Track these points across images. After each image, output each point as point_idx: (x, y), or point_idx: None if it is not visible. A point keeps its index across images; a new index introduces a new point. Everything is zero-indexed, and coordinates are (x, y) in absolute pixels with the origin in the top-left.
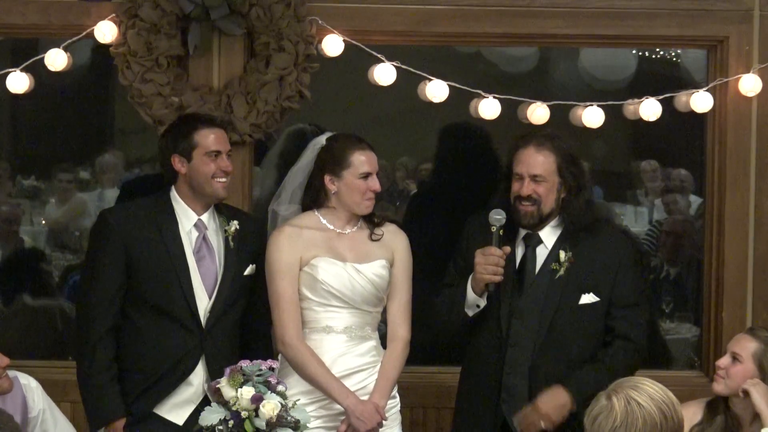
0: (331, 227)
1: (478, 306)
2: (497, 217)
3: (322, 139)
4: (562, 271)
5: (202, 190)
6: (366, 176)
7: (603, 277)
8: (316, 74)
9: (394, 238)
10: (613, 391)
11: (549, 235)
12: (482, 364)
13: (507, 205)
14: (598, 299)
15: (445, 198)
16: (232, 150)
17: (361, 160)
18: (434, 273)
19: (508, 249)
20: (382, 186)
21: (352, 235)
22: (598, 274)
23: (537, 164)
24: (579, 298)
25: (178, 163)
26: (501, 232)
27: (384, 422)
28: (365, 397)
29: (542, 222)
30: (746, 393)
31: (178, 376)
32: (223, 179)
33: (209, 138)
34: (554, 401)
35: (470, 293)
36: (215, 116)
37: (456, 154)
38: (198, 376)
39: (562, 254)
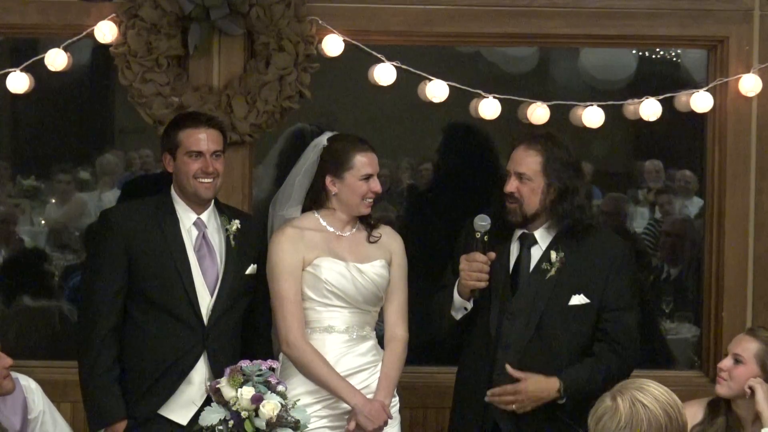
0: (331, 229)
1: (465, 309)
2: (482, 223)
3: (323, 140)
4: (552, 272)
5: (184, 188)
6: (367, 178)
7: (594, 278)
8: (316, 74)
9: (391, 240)
10: (618, 392)
11: (544, 236)
12: (473, 365)
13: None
14: (588, 301)
15: (443, 198)
16: (232, 150)
17: (363, 162)
18: (433, 273)
19: (493, 255)
20: (386, 186)
21: (350, 237)
22: (590, 276)
23: (523, 162)
24: (569, 299)
25: (167, 162)
26: (486, 238)
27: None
28: (368, 397)
29: (527, 221)
30: (752, 390)
31: (179, 374)
32: (206, 180)
33: (191, 138)
34: (538, 387)
35: (456, 297)
36: (210, 116)
37: (454, 154)
38: (199, 373)
39: (553, 254)
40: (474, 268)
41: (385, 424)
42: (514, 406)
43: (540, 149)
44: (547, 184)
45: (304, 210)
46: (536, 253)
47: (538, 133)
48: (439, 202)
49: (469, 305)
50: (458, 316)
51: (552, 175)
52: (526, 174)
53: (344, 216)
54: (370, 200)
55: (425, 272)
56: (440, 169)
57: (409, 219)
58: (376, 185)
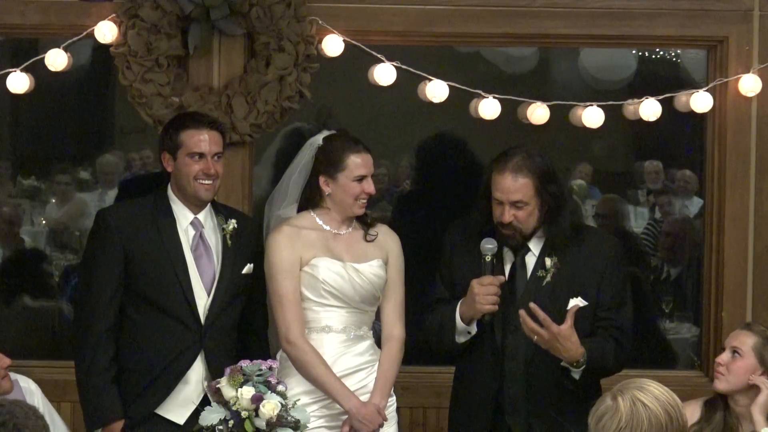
0: (327, 228)
1: (469, 333)
2: (489, 246)
3: (318, 139)
4: (548, 278)
5: (184, 189)
6: (360, 179)
7: (590, 279)
8: (317, 74)
9: (388, 239)
10: (619, 391)
11: (536, 244)
12: (479, 376)
13: (489, 220)
14: (586, 303)
15: (437, 198)
16: (232, 150)
17: (357, 163)
18: (429, 273)
19: (503, 278)
20: (384, 186)
21: (347, 235)
22: (585, 277)
23: (516, 190)
24: (567, 303)
25: (166, 161)
26: (494, 260)
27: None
28: (366, 396)
29: (526, 240)
30: (754, 386)
31: (176, 374)
32: (206, 181)
33: (193, 139)
34: (572, 343)
35: (459, 323)
36: (211, 117)
37: (442, 158)
38: (196, 373)
39: (548, 261)
40: (489, 292)
41: (380, 426)
42: (536, 337)
43: (528, 172)
44: (541, 202)
45: (300, 209)
46: (530, 261)
47: (516, 155)
48: (432, 201)
49: (473, 329)
50: (461, 340)
51: (544, 193)
52: (522, 201)
53: (339, 215)
54: (364, 201)
55: (424, 272)
56: (431, 169)
57: (405, 218)
58: (369, 186)
